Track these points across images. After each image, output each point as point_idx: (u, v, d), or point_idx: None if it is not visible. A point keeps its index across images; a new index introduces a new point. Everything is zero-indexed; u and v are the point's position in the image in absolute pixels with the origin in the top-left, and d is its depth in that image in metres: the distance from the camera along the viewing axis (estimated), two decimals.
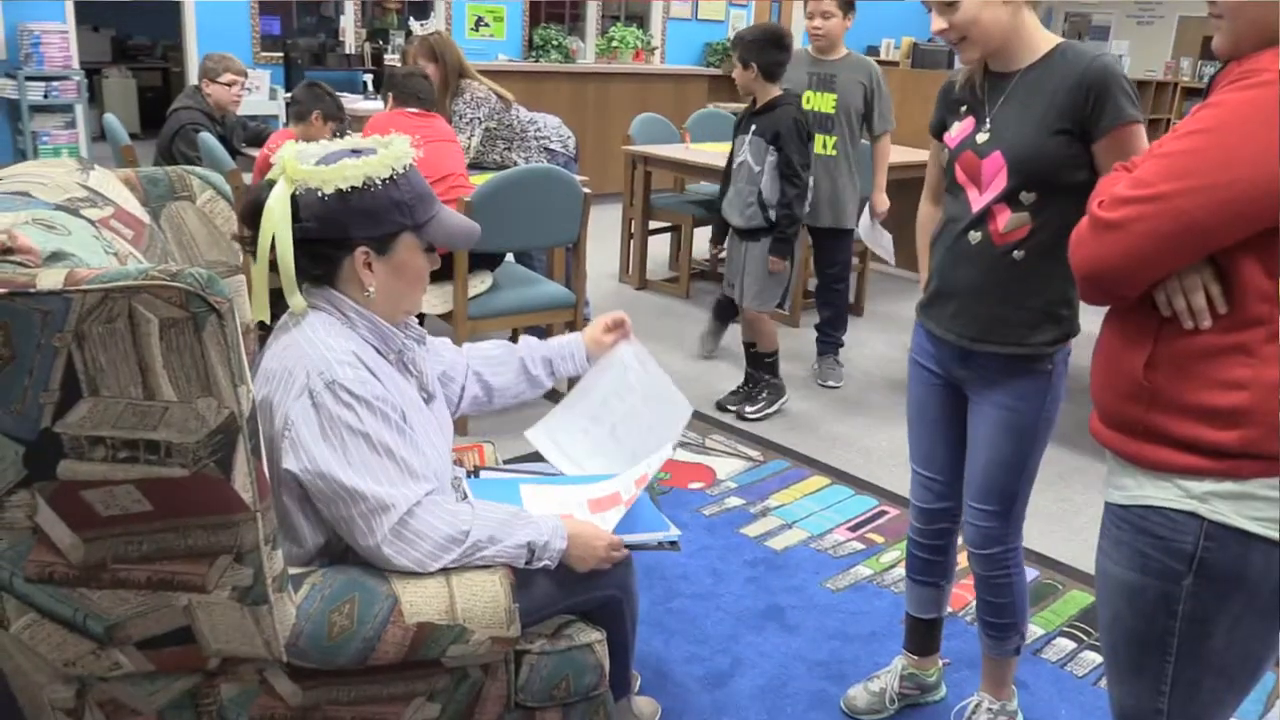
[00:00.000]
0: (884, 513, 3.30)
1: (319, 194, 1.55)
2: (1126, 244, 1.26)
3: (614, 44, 9.39)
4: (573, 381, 2.09)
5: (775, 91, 3.78)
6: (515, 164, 4.38)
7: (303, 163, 1.58)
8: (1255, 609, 1.32)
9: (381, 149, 1.61)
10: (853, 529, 3.17)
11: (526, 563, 1.62)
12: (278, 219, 1.54)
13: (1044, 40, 1.87)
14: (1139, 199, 1.25)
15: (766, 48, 3.73)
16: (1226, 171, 1.19)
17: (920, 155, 5.06)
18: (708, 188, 6.06)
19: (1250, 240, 1.22)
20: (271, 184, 1.59)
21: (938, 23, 1.84)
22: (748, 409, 4.07)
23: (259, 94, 7.47)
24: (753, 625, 2.61)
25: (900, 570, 2.88)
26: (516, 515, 1.64)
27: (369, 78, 7.93)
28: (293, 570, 1.52)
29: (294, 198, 1.56)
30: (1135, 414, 1.35)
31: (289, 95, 6.32)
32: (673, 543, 1.79)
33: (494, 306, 3.68)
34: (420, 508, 1.54)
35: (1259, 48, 1.25)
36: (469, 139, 4.37)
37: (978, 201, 1.90)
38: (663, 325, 5.15)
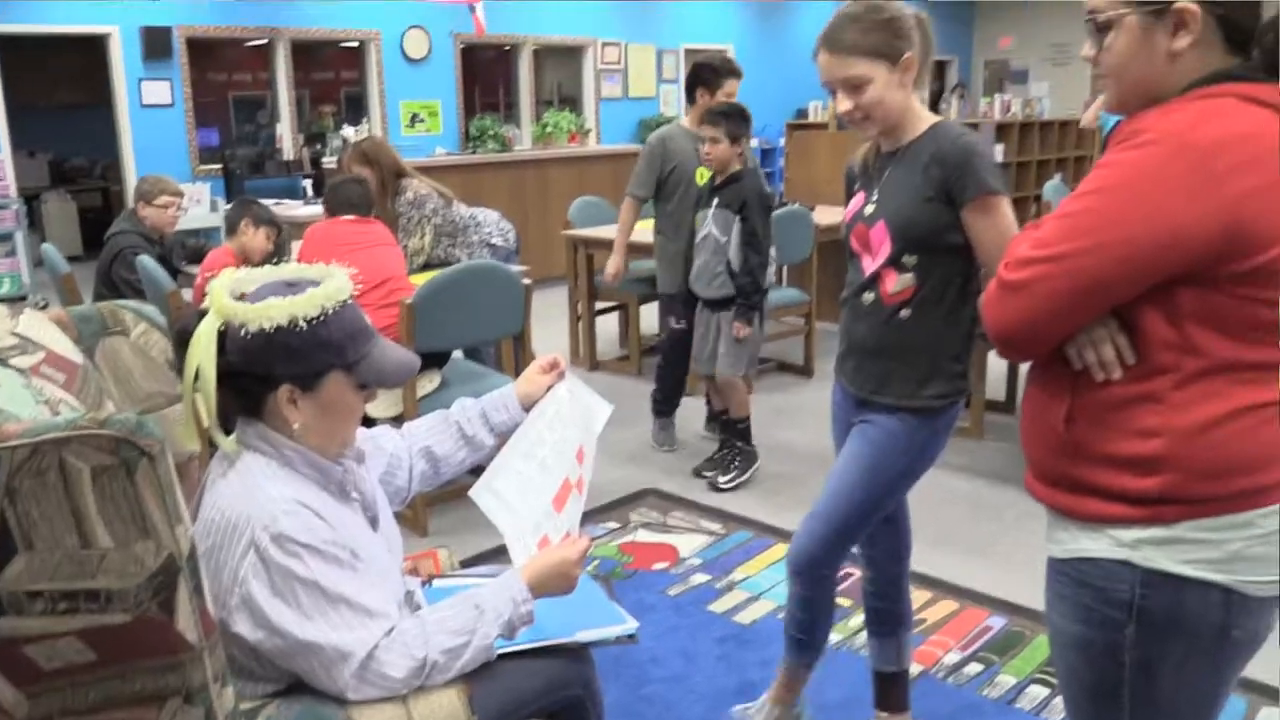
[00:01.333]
0: (849, 575, 3.30)
1: (243, 330, 1.54)
2: (1031, 304, 1.31)
3: (548, 129, 9.57)
4: None
5: (737, 165, 3.89)
6: (458, 259, 4.42)
7: (234, 294, 1.58)
8: (1199, 650, 1.35)
9: (318, 284, 1.60)
10: None
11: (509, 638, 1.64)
12: (202, 353, 1.52)
13: (924, 119, 2.02)
14: (1040, 259, 1.30)
15: (744, 125, 3.89)
16: (1120, 229, 1.25)
17: None
18: (650, 264, 6.13)
19: (1150, 292, 1.27)
20: (203, 313, 1.58)
21: (844, 104, 1.98)
22: (721, 479, 4.10)
23: (200, 207, 7.51)
24: (727, 704, 2.59)
25: None
26: (473, 609, 1.61)
27: (308, 182, 8.00)
28: (245, 705, 1.50)
29: (222, 331, 1.56)
30: (1061, 467, 1.39)
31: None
32: (630, 635, 1.79)
33: (445, 403, 3.65)
34: (379, 649, 1.52)
35: (1143, 106, 1.32)
36: (421, 239, 4.40)
37: (869, 266, 2.05)
38: (617, 404, 5.15)
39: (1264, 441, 1.29)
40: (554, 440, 1.93)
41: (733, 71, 4.34)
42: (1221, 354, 1.27)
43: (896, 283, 2.02)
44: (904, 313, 2.03)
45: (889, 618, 2.35)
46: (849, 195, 2.19)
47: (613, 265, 4.66)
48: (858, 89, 1.95)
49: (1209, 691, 1.39)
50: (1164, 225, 1.22)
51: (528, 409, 1.95)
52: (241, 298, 1.58)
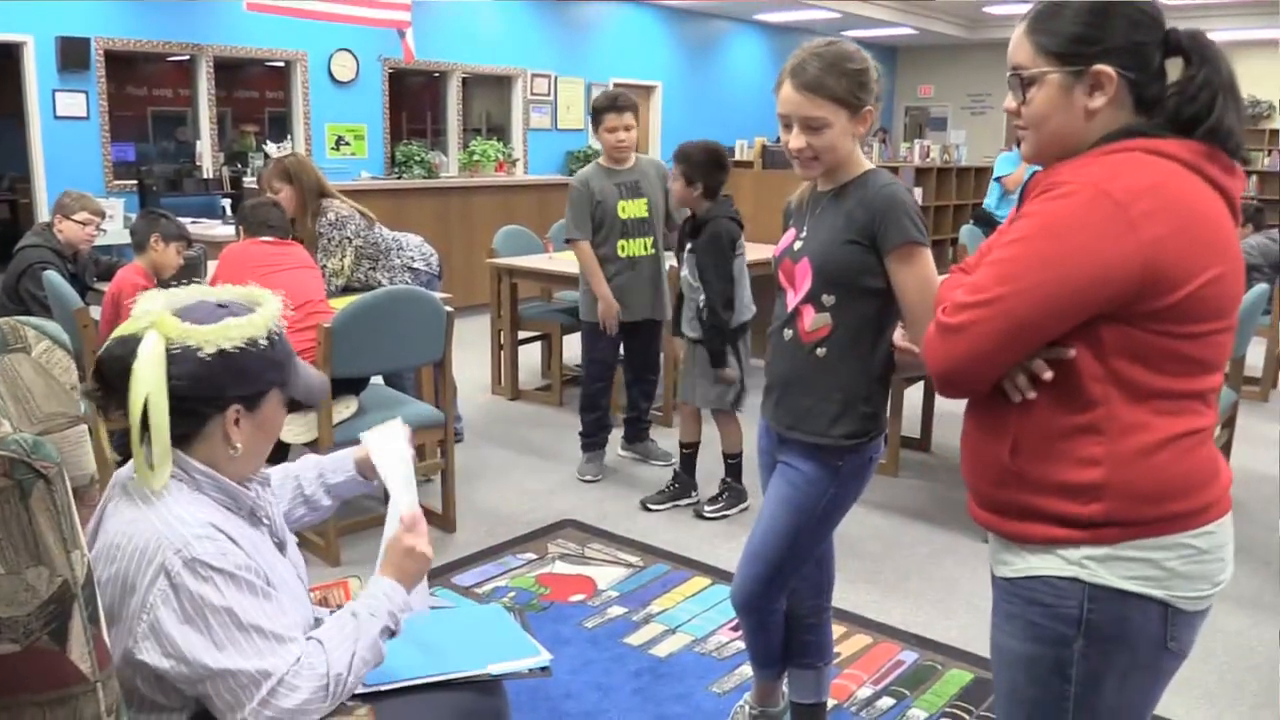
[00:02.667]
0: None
1: (198, 353, 1.50)
2: (969, 344, 1.40)
3: (475, 157, 9.54)
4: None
5: (706, 205, 3.89)
6: (380, 284, 4.37)
7: (172, 320, 1.51)
8: (1140, 662, 1.43)
9: (247, 303, 1.60)
10: (735, 628, 3.18)
11: (391, 635, 1.63)
12: (152, 382, 1.46)
13: (860, 165, 2.08)
14: (975, 304, 1.39)
15: (712, 170, 3.87)
16: (1048, 272, 1.34)
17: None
18: (573, 295, 6.13)
19: (1076, 330, 1.36)
20: (134, 340, 1.50)
21: (798, 140, 2.02)
22: (707, 508, 4.12)
23: (113, 223, 7.29)
24: None
25: None
26: (349, 617, 1.60)
27: (227, 202, 7.85)
28: None
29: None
30: (1007, 496, 1.47)
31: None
32: (544, 668, 1.77)
33: (360, 431, 3.60)
34: (289, 675, 1.49)
35: (1058, 157, 1.44)
36: (341, 260, 4.33)
37: (791, 302, 2.11)
38: (538, 435, 5.14)
39: (1194, 467, 1.40)
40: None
41: (610, 107, 4.32)
42: (1148, 386, 1.36)
43: (813, 321, 2.08)
44: (820, 350, 2.08)
45: (810, 650, 2.39)
46: (784, 231, 2.24)
47: (606, 306, 4.39)
48: (816, 130, 1.99)
49: (1144, 703, 1.48)
50: (1089, 266, 1.32)
51: (363, 475, 1.93)
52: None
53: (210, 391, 1.54)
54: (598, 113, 4.36)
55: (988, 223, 7.51)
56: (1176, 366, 1.37)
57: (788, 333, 2.13)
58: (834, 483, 2.12)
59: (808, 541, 2.18)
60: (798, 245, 2.11)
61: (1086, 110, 1.41)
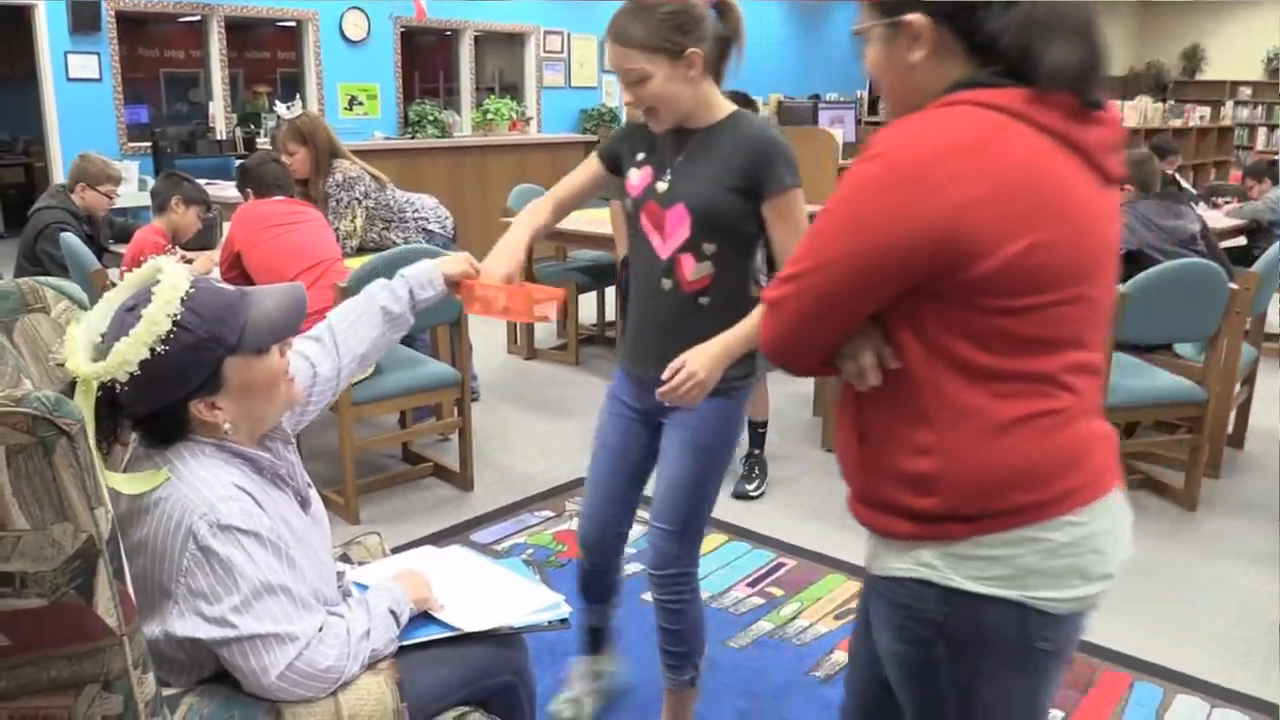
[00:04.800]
0: (782, 565, 3.34)
1: (119, 385, 1.45)
2: (781, 321, 1.31)
3: (489, 116, 9.49)
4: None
5: None
6: (394, 244, 4.36)
7: (87, 351, 1.47)
8: (1007, 664, 1.32)
9: (150, 291, 1.49)
10: (752, 584, 3.20)
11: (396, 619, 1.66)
12: (91, 433, 1.37)
13: (721, 107, 2.04)
14: (787, 278, 1.29)
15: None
16: (842, 243, 1.24)
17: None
18: (588, 254, 6.12)
19: (896, 306, 1.26)
20: (73, 384, 1.46)
21: (626, 95, 1.98)
22: (749, 488, 3.98)
23: (128, 186, 7.30)
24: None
25: (802, 621, 2.93)
26: (361, 603, 1.65)
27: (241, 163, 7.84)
28: (167, 692, 1.47)
29: (109, 391, 1.46)
30: (860, 484, 1.39)
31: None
32: (563, 620, 1.79)
33: (379, 391, 3.64)
34: (317, 639, 1.51)
35: (908, 113, 1.28)
36: (352, 222, 4.33)
37: (664, 249, 2.06)
38: (554, 394, 5.16)
39: (1046, 452, 1.27)
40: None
41: None
42: (979, 367, 1.24)
43: (695, 270, 2.03)
44: (703, 299, 2.04)
45: (605, 592, 2.43)
46: (618, 152, 2.16)
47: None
48: (638, 83, 1.94)
49: (1028, 703, 1.37)
50: (884, 235, 1.21)
51: (449, 285, 1.95)
52: (102, 339, 1.49)
53: (161, 403, 1.49)
54: None
55: None
56: (1006, 345, 1.23)
57: (666, 282, 2.06)
58: (729, 414, 2.12)
59: (715, 482, 2.16)
60: (662, 187, 2.04)
61: (909, 65, 1.28)
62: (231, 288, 1.59)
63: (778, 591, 3.15)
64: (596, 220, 5.30)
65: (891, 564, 1.35)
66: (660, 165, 2.06)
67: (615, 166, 2.18)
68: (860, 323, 1.29)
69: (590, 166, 2.22)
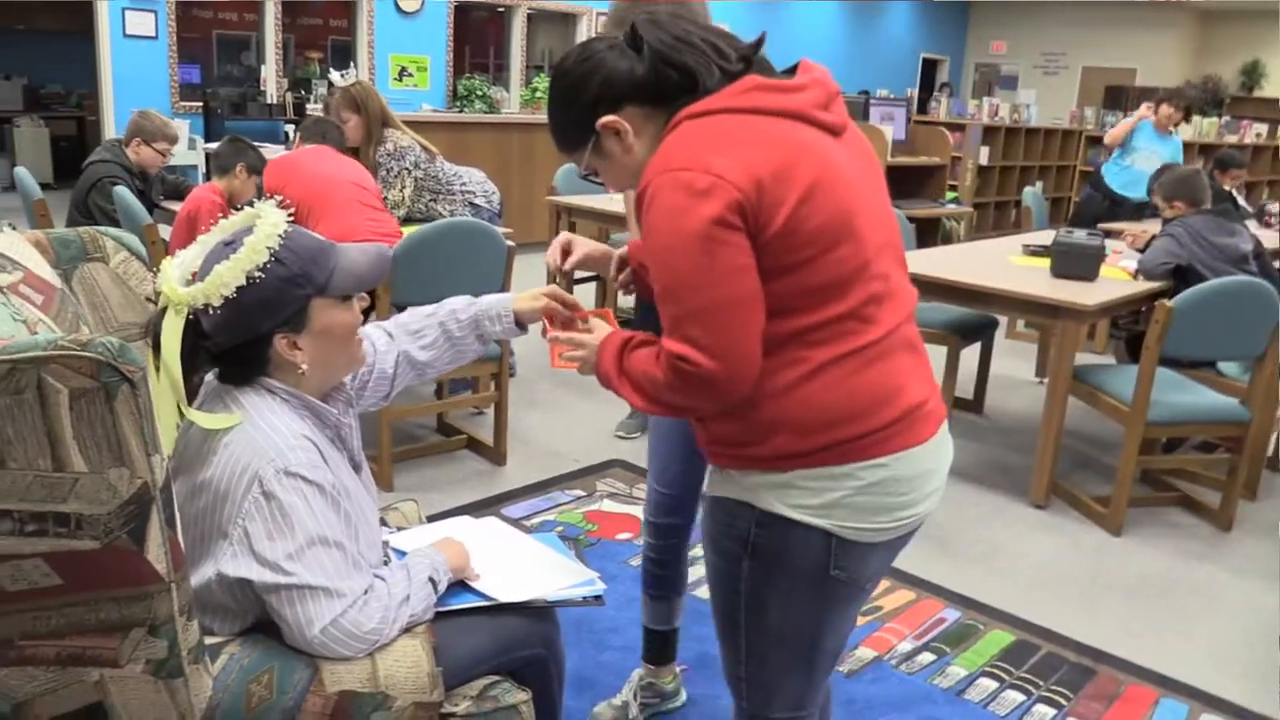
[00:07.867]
0: None
1: (210, 309, 1.52)
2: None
3: (538, 94, 9.48)
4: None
5: None
6: (440, 216, 4.38)
7: (180, 283, 1.55)
8: (799, 588, 1.50)
9: (254, 230, 1.56)
10: None
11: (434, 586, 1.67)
12: (169, 353, 1.50)
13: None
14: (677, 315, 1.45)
15: None
16: (704, 274, 1.36)
17: None
18: (626, 235, 6.10)
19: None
20: (159, 313, 1.56)
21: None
22: None
23: (178, 144, 7.38)
24: (685, 676, 2.61)
25: None
26: (402, 569, 1.65)
27: (290, 128, 7.88)
28: (209, 640, 1.49)
29: (193, 319, 1.54)
30: (705, 438, 1.53)
31: (210, 148, 6.27)
32: (597, 597, 1.80)
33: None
34: (362, 599, 1.53)
35: (634, 185, 1.45)
36: (401, 191, 4.35)
37: None
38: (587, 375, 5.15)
39: (851, 391, 1.41)
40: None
41: None
42: (787, 327, 1.38)
43: None
44: None
45: (667, 584, 2.37)
46: None
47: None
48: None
49: (811, 624, 1.54)
50: (706, 242, 1.33)
51: (520, 325, 1.89)
52: (193, 279, 1.57)
53: (246, 334, 1.55)
54: None
55: (1095, 187, 7.29)
56: (810, 300, 1.38)
57: None
58: None
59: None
60: None
61: (629, 150, 1.46)
62: (321, 238, 1.66)
63: None
64: None
65: (722, 488, 1.54)
66: None
67: None
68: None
69: None
